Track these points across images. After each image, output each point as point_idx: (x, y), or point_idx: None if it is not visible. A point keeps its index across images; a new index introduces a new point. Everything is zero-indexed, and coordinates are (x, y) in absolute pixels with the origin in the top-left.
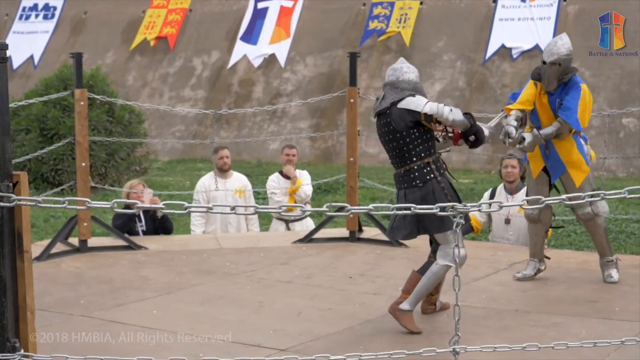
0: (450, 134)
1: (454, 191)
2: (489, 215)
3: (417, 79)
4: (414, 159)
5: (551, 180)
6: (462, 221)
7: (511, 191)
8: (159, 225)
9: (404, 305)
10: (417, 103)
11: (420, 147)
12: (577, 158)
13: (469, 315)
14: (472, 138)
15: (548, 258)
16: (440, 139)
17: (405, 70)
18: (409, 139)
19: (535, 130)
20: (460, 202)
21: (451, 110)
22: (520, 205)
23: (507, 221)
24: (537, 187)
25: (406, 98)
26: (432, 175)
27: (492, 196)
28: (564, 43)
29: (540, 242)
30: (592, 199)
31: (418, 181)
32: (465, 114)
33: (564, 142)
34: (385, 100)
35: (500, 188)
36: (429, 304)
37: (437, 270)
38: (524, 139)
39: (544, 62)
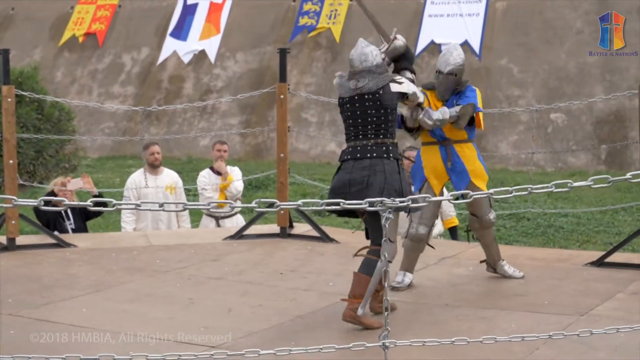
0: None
1: None
2: None
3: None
4: (389, 135)
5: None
6: (391, 216)
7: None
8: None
9: (361, 311)
10: (407, 87)
11: (394, 128)
12: (479, 166)
13: (399, 310)
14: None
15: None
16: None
17: (375, 54)
18: (391, 116)
19: (430, 110)
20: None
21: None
22: (449, 200)
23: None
24: (433, 206)
25: (391, 83)
26: (399, 156)
27: None
28: (459, 54)
29: (416, 258)
30: (519, 193)
31: (391, 155)
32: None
33: (467, 151)
34: (369, 82)
35: None
36: (378, 302)
37: (382, 268)
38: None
39: (440, 72)
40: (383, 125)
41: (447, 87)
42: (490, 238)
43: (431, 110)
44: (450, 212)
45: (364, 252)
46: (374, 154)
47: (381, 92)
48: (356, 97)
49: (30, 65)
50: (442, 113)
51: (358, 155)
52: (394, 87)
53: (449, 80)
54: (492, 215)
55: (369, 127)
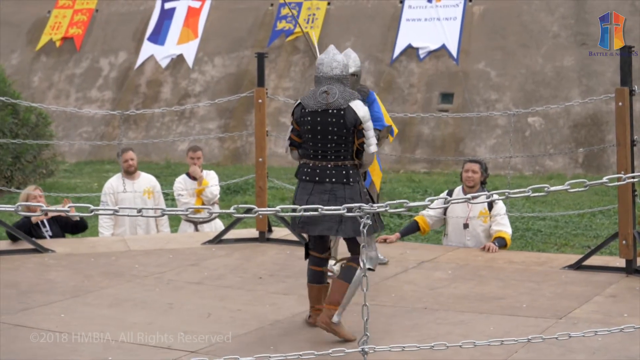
0: None
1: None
2: (443, 217)
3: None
4: (349, 156)
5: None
6: (369, 222)
7: None
8: (74, 224)
9: (336, 318)
10: (364, 112)
11: (353, 149)
12: (376, 166)
13: (379, 314)
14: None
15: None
16: None
17: (345, 62)
18: (352, 137)
19: None
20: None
21: (376, 142)
22: (424, 204)
23: (466, 226)
24: None
25: (357, 100)
26: (359, 178)
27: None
28: (356, 56)
29: (338, 242)
30: (498, 198)
31: (350, 179)
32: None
33: None
34: (340, 97)
35: (458, 190)
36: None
37: (361, 275)
38: None
39: None
40: (344, 146)
41: (351, 87)
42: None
43: None
44: (497, 227)
45: (345, 261)
46: (334, 179)
47: (346, 109)
48: (320, 111)
49: None
50: None
51: (317, 178)
52: (354, 105)
53: (352, 80)
54: None
55: (329, 145)
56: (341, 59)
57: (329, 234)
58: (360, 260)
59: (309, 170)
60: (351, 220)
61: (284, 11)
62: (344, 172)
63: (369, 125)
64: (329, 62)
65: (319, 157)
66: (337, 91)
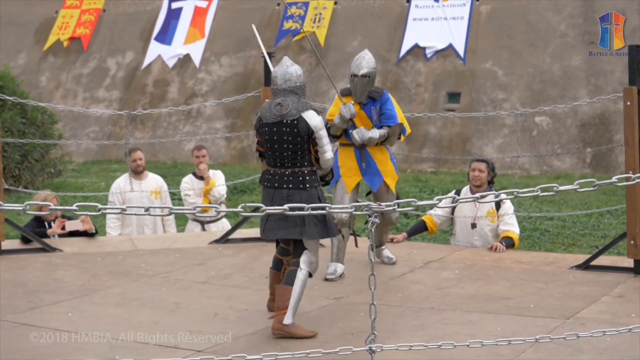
0: None
1: None
2: (450, 217)
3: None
4: (305, 163)
5: (373, 190)
6: (377, 220)
7: None
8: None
9: (287, 320)
10: (316, 122)
11: (310, 155)
12: (390, 167)
13: (386, 313)
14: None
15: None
16: None
17: (299, 73)
18: (307, 144)
19: (363, 128)
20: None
21: (329, 151)
22: (432, 203)
23: (473, 225)
24: (352, 197)
25: (310, 111)
26: (316, 183)
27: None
28: (371, 58)
29: (345, 247)
30: (506, 197)
31: (307, 185)
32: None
33: (379, 154)
34: (292, 108)
35: (466, 190)
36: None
37: (305, 277)
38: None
39: (354, 75)
40: (299, 153)
41: (363, 89)
42: (386, 234)
43: (364, 129)
44: (505, 227)
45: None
46: (290, 185)
47: (299, 119)
48: (275, 123)
49: (1, 69)
50: (373, 133)
51: (276, 184)
52: (307, 115)
53: (364, 82)
54: (395, 215)
55: (285, 154)
56: (294, 70)
57: (292, 237)
58: (369, 259)
59: (270, 177)
60: (315, 223)
61: (291, 11)
62: (300, 178)
63: (321, 134)
64: (282, 74)
65: (278, 164)
66: (291, 102)
